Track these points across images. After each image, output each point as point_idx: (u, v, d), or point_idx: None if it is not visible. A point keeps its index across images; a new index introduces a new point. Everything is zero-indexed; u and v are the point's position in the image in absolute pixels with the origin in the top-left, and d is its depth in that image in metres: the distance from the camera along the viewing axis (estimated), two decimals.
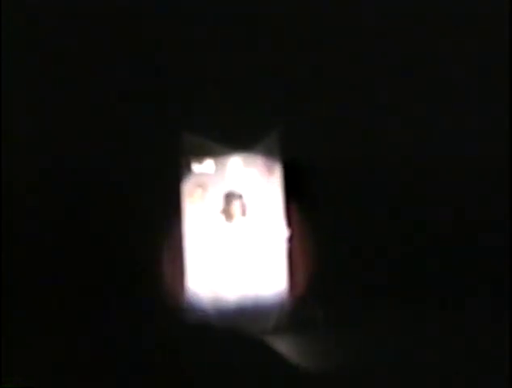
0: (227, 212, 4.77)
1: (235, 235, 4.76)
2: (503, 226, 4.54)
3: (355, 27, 4.87)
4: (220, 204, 4.82)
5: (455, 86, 4.94)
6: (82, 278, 5.18)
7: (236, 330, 4.68)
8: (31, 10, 4.60)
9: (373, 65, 4.81)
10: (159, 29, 4.86)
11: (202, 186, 4.80)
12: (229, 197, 4.83)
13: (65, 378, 3.88)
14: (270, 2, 4.77)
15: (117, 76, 4.79)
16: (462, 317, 4.58)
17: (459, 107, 4.99)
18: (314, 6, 4.75)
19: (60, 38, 4.72)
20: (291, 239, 4.73)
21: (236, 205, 4.81)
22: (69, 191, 5.02)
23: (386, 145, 4.85)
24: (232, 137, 4.65)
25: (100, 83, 4.87)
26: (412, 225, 4.78)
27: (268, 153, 4.69)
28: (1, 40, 4.48)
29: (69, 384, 3.85)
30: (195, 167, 4.60)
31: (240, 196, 4.78)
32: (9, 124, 4.76)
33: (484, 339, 4.10)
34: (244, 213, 4.73)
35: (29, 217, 5.11)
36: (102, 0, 4.59)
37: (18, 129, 4.98)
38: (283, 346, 4.30)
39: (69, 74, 4.79)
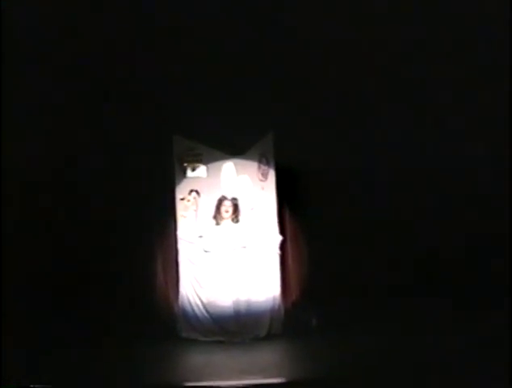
0: (219, 217, 4.79)
1: (228, 240, 4.78)
2: (503, 227, 4.57)
3: (346, 37, 4.88)
4: (213, 208, 4.83)
5: (451, 90, 4.95)
6: (67, 280, 5.11)
7: (229, 335, 4.68)
8: (30, 15, 4.59)
9: (367, 74, 4.84)
10: (152, 37, 4.85)
11: (196, 191, 4.81)
12: (222, 202, 4.84)
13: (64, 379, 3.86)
14: (259, 9, 4.78)
15: (110, 82, 4.78)
16: (456, 318, 4.61)
17: (451, 113, 5.00)
18: (303, 9, 4.76)
19: (57, 39, 4.68)
20: (284, 244, 4.75)
21: (227, 208, 4.81)
22: (59, 193, 4.96)
23: (379, 152, 4.88)
24: (226, 143, 4.67)
25: (92, 89, 4.84)
26: (406, 230, 4.82)
27: (262, 158, 4.72)
28: (1, 41, 4.46)
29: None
30: (189, 172, 4.63)
31: (232, 200, 4.80)
32: (9, 124, 4.72)
33: (484, 338, 4.14)
34: (237, 218, 4.75)
35: (29, 216, 5.05)
36: (97, 4, 4.60)
37: (19, 130, 4.94)
38: (277, 350, 4.34)
39: (62, 79, 4.77)
